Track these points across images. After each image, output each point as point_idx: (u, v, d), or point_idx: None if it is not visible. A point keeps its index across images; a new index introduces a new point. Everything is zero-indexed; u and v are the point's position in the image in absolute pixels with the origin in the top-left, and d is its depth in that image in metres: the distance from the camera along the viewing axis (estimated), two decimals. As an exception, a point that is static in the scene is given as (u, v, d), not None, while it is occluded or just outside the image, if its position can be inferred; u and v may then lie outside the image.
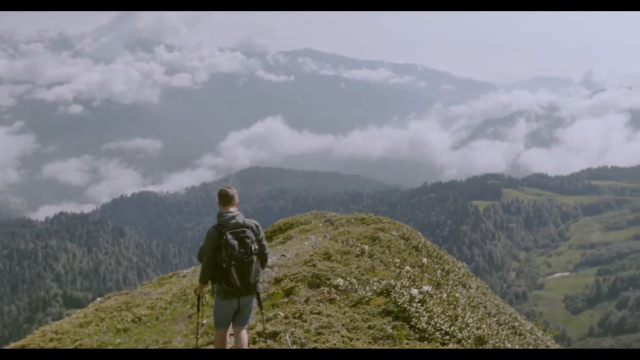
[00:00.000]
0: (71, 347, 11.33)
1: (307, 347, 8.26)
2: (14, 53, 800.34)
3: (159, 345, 10.80)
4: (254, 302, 8.06)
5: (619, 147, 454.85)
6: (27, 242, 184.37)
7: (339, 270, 12.35)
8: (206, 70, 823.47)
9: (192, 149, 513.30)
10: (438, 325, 8.80)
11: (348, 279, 11.48)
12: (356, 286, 11.06)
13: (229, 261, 7.37)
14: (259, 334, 8.72)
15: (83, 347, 11.17)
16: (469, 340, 8.66)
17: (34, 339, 12.51)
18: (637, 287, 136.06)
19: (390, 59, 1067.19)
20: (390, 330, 8.56)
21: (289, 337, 8.47)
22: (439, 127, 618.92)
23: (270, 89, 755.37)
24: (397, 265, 13.90)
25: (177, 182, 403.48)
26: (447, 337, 8.60)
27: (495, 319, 13.77)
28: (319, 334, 8.55)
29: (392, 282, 10.66)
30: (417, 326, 8.82)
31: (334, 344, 8.16)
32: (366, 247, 15.06)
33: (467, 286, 16.36)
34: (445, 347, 8.26)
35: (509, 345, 9.91)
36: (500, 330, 10.98)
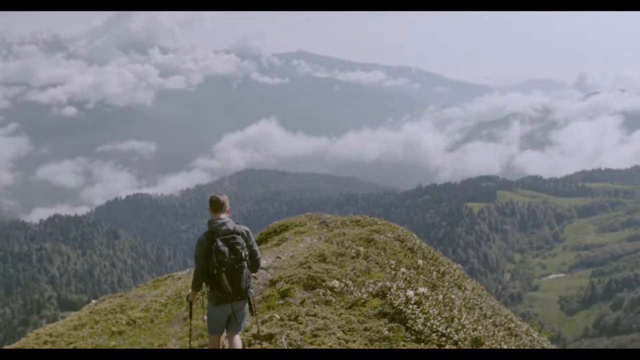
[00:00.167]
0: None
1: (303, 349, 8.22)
2: (7, 55, 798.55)
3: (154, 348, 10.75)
4: (247, 307, 8.06)
5: (613, 149, 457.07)
6: (21, 245, 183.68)
7: (334, 272, 12.32)
8: (200, 72, 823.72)
9: (186, 151, 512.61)
10: (434, 327, 8.77)
11: (343, 280, 11.44)
12: (352, 288, 11.03)
13: (219, 267, 7.41)
14: (254, 336, 8.69)
15: (78, 349, 11.12)
16: (466, 342, 8.64)
17: (28, 342, 12.44)
18: (631, 288, 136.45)
19: (384, 62, 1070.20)
20: (387, 332, 8.53)
21: (285, 339, 8.44)
22: (433, 129, 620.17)
23: (264, 91, 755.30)
24: (393, 267, 13.88)
25: (172, 184, 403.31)
26: (444, 338, 8.57)
27: (491, 321, 13.75)
28: (315, 336, 8.52)
29: (388, 283, 10.63)
30: (413, 328, 8.80)
31: (330, 346, 8.13)
32: (361, 249, 15.03)
33: (463, 288, 16.35)
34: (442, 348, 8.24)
35: (505, 347, 9.89)
36: (496, 332, 10.97)
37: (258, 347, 8.49)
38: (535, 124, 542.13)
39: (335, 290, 10.96)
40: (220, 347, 8.25)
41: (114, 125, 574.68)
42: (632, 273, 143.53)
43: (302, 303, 10.54)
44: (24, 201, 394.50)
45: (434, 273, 15.30)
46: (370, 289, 10.59)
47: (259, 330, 8.87)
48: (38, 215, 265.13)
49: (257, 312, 9.29)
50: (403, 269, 13.40)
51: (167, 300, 13.68)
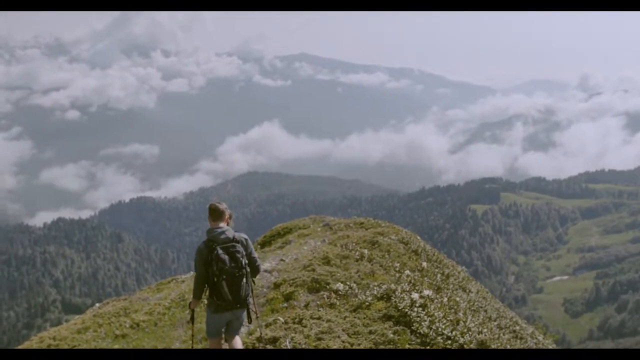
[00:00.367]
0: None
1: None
2: (10, 59, 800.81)
3: (157, 352, 10.72)
4: (245, 314, 8.09)
5: (616, 150, 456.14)
6: (25, 248, 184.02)
7: (338, 274, 12.27)
8: (203, 75, 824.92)
9: (189, 154, 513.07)
10: (440, 329, 8.71)
11: (348, 283, 11.39)
12: (356, 291, 10.97)
13: (220, 276, 7.45)
14: (258, 339, 8.64)
15: (81, 349, 11.08)
16: (471, 345, 8.59)
17: (32, 346, 12.41)
18: (636, 290, 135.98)
19: (386, 63, 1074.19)
20: (392, 335, 8.47)
21: (289, 342, 8.40)
22: (436, 131, 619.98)
23: (267, 93, 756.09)
24: (397, 269, 13.82)
25: (175, 188, 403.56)
26: (449, 342, 8.51)
27: (496, 323, 13.69)
28: (320, 339, 8.47)
29: (393, 286, 10.58)
30: (418, 331, 8.73)
31: (335, 350, 8.08)
32: (365, 251, 14.98)
33: (468, 290, 16.28)
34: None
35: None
36: (501, 335, 10.91)
37: (262, 350, 8.44)
38: (538, 125, 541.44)
39: (340, 293, 10.91)
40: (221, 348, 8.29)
41: (117, 129, 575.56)
42: (636, 275, 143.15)
43: (306, 306, 10.50)
44: (27, 205, 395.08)
45: (439, 275, 15.24)
46: (375, 292, 10.54)
47: (261, 334, 8.86)
48: (42, 219, 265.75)
49: (258, 317, 9.35)
50: (407, 272, 13.35)
51: (171, 304, 13.64)
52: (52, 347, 11.86)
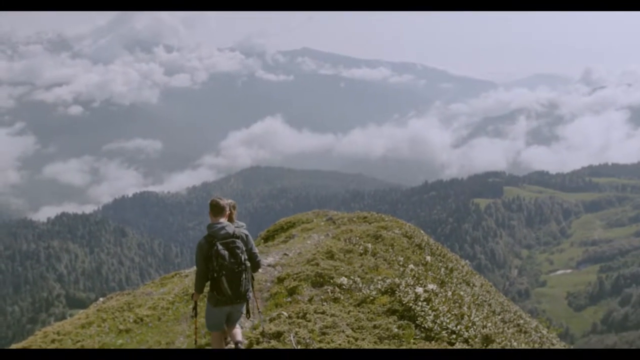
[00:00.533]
0: (72, 348, 11.25)
1: (311, 348, 8.16)
2: (13, 54, 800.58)
3: (161, 346, 10.71)
4: (244, 307, 8.26)
5: (620, 144, 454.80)
6: (29, 243, 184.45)
7: (342, 269, 12.25)
8: (205, 70, 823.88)
9: (192, 149, 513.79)
10: (444, 324, 8.67)
11: (352, 277, 11.37)
12: (360, 285, 10.95)
13: (219, 271, 7.57)
14: (262, 334, 8.63)
15: (85, 348, 11.09)
16: (476, 339, 8.55)
17: (36, 340, 12.41)
18: (639, 283, 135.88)
19: (389, 58, 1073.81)
20: (396, 330, 8.43)
21: (293, 337, 8.37)
22: (439, 125, 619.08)
23: (269, 88, 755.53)
24: (401, 263, 13.80)
25: (178, 182, 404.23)
26: (454, 336, 8.48)
27: (500, 317, 13.68)
28: (324, 333, 8.44)
29: (397, 280, 10.54)
30: (423, 325, 8.70)
31: (339, 344, 8.05)
32: (369, 245, 14.96)
33: (471, 284, 16.27)
34: (453, 347, 8.14)
35: (515, 344, 9.81)
36: (506, 329, 10.89)
37: (266, 345, 8.43)
38: (542, 119, 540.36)
39: (344, 287, 10.89)
40: (223, 342, 8.45)
41: (119, 124, 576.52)
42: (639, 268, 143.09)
43: (310, 300, 10.48)
44: (31, 200, 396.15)
45: (442, 269, 15.23)
46: (379, 286, 10.51)
47: (263, 329, 8.89)
48: (45, 213, 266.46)
49: (260, 311, 9.67)
50: (411, 266, 13.33)
51: (175, 298, 13.64)
52: (56, 342, 11.87)
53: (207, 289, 8.10)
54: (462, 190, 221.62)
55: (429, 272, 13.79)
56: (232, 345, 8.37)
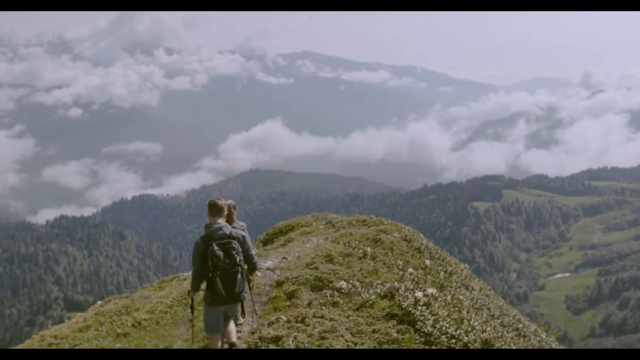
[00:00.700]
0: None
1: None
2: (13, 56, 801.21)
3: (159, 350, 10.66)
4: (239, 306, 8.43)
5: (619, 147, 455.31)
6: (27, 246, 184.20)
7: (341, 272, 12.21)
8: (205, 72, 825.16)
9: (191, 151, 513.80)
10: (444, 328, 8.63)
11: (351, 281, 11.32)
12: (359, 289, 10.90)
13: (214, 271, 7.68)
14: (260, 338, 8.58)
15: (82, 349, 11.04)
16: (476, 344, 8.51)
17: (33, 344, 12.37)
18: (638, 287, 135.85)
19: (389, 61, 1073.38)
20: (396, 335, 8.39)
21: (292, 341, 8.33)
22: (438, 128, 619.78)
23: (269, 91, 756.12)
24: (400, 267, 13.76)
25: (177, 185, 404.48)
26: (454, 340, 8.44)
27: (499, 321, 13.62)
28: (323, 338, 8.39)
29: (396, 284, 10.50)
30: (422, 330, 8.65)
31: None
32: (368, 249, 14.91)
33: (471, 288, 16.22)
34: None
35: (514, 348, 9.76)
36: (505, 333, 10.84)
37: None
38: (541, 122, 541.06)
39: (343, 291, 10.84)
40: (221, 345, 8.49)
41: (119, 126, 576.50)
42: (638, 272, 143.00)
43: (309, 304, 10.43)
44: (30, 202, 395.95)
45: (442, 273, 15.17)
46: (378, 290, 10.47)
47: (260, 331, 8.96)
48: (44, 216, 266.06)
49: (257, 314, 9.81)
50: (411, 270, 13.27)
51: (173, 302, 13.58)
52: (54, 346, 11.82)
53: (205, 289, 8.15)
54: (461, 193, 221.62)
55: (428, 276, 13.74)
56: (227, 346, 8.47)
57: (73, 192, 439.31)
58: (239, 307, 8.32)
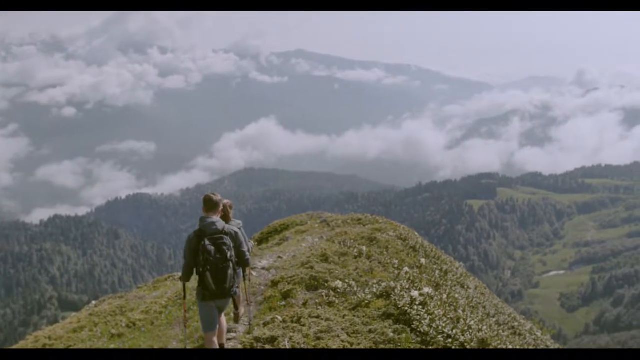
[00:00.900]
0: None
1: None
2: (7, 56, 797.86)
3: (154, 351, 10.60)
4: (230, 300, 8.46)
5: (613, 145, 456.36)
6: (21, 245, 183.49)
7: (337, 272, 12.17)
8: (199, 71, 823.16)
9: (186, 150, 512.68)
10: (440, 328, 8.59)
11: (347, 281, 11.28)
12: (355, 288, 10.86)
13: (205, 266, 7.75)
14: (256, 339, 8.53)
15: (77, 349, 10.97)
16: (472, 344, 8.48)
17: (27, 345, 12.30)
18: (632, 284, 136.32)
19: (383, 60, 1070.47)
20: (392, 334, 8.35)
21: (288, 342, 8.29)
22: (433, 127, 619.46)
23: (263, 90, 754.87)
24: (396, 266, 13.73)
25: (172, 184, 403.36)
26: (450, 340, 8.40)
27: (494, 320, 13.62)
28: (319, 338, 8.34)
29: (392, 284, 10.45)
30: (418, 330, 8.61)
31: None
32: (364, 248, 14.89)
33: (466, 286, 16.22)
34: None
35: (510, 347, 9.74)
36: (500, 332, 10.81)
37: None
38: (535, 120, 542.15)
39: (339, 291, 10.80)
40: (216, 344, 8.47)
41: (113, 126, 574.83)
42: (632, 269, 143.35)
43: (304, 304, 10.39)
44: (24, 202, 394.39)
45: (437, 272, 15.16)
46: (374, 290, 10.42)
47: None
48: (38, 215, 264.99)
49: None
50: (406, 269, 13.25)
51: (168, 302, 13.53)
52: (48, 347, 11.74)
53: (197, 285, 8.22)
54: (455, 191, 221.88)
55: (424, 275, 13.72)
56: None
57: (67, 192, 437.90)
58: (230, 302, 8.38)
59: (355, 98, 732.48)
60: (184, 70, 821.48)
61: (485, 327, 9.71)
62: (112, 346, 11.17)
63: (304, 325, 8.88)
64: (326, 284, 11.30)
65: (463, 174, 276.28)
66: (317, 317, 9.26)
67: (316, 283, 11.50)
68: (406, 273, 12.67)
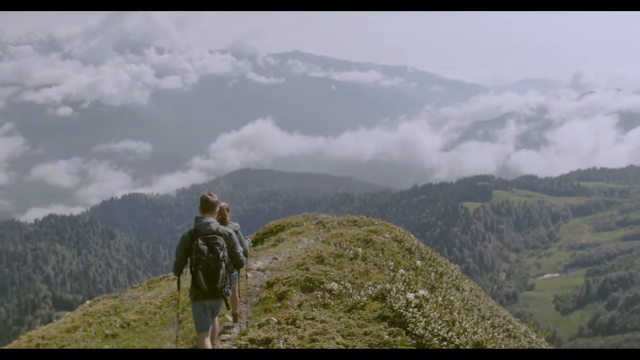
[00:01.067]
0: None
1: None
2: (3, 55, 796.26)
3: (148, 352, 10.56)
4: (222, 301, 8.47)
5: (608, 148, 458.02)
6: (16, 244, 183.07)
7: (332, 273, 12.13)
8: (196, 72, 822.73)
9: (182, 151, 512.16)
10: (435, 330, 8.58)
11: (342, 283, 11.25)
12: (350, 290, 10.83)
13: (197, 265, 7.77)
14: (251, 340, 8.50)
15: (71, 349, 10.92)
16: (467, 346, 8.47)
17: (20, 345, 12.24)
18: (626, 287, 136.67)
19: (380, 61, 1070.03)
20: (387, 337, 8.33)
21: (282, 343, 8.26)
22: (429, 128, 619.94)
23: (260, 91, 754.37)
24: (392, 268, 13.71)
25: (167, 184, 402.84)
26: (445, 343, 8.39)
27: (489, 322, 13.61)
28: (314, 340, 8.32)
29: (388, 286, 10.44)
30: (414, 332, 8.60)
31: (329, 352, 7.94)
32: (359, 249, 14.86)
33: (461, 289, 16.20)
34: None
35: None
36: (495, 334, 10.81)
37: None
38: (531, 123, 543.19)
39: (334, 292, 10.77)
40: (210, 345, 8.49)
41: (109, 125, 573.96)
42: (627, 272, 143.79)
43: (299, 306, 10.36)
44: (19, 201, 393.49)
45: (432, 274, 15.14)
46: (370, 292, 10.40)
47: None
48: (33, 215, 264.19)
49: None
50: (402, 271, 13.23)
51: (162, 303, 13.48)
52: (41, 346, 11.69)
53: (190, 285, 8.26)
54: (451, 193, 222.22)
55: (419, 277, 13.71)
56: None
57: (62, 191, 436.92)
58: (222, 303, 8.34)
59: (351, 99, 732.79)
60: (181, 71, 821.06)
61: (480, 330, 9.71)
62: (105, 346, 11.12)
63: (299, 327, 8.85)
64: (321, 286, 11.27)
65: (459, 176, 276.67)
66: (312, 318, 9.23)
67: (311, 285, 11.47)
68: (402, 275, 12.65)
